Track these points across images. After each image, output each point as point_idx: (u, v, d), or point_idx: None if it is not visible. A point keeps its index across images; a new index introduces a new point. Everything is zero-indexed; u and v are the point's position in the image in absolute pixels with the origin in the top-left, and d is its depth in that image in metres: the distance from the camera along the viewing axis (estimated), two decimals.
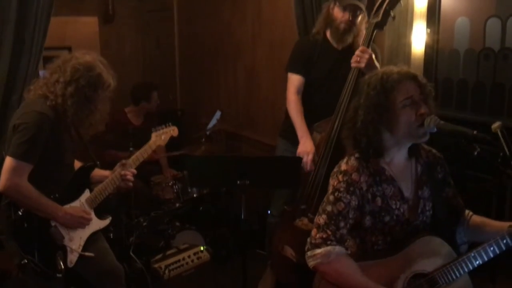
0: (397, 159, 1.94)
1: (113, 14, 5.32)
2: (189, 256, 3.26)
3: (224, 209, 4.26)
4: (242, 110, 4.78)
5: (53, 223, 2.42)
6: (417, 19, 3.14)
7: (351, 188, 1.86)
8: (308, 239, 1.89)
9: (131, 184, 2.66)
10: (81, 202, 2.55)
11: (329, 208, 1.87)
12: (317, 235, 1.86)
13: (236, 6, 4.73)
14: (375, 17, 2.67)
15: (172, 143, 3.05)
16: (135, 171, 2.69)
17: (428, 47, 3.22)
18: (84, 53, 2.48)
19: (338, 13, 2.95)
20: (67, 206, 2.47)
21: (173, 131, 2.94)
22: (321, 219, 1.88)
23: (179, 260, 3.21)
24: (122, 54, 5.48)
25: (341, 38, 2.98)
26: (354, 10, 2.90)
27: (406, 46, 3.16)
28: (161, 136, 2.88)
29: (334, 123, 2.72)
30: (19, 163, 2.29)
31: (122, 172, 2.62)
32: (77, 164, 2.66)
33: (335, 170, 1.94)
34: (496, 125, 1.91)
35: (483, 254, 1.81)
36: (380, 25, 2.66)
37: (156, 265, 3.12)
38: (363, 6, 2.93)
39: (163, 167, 4.46)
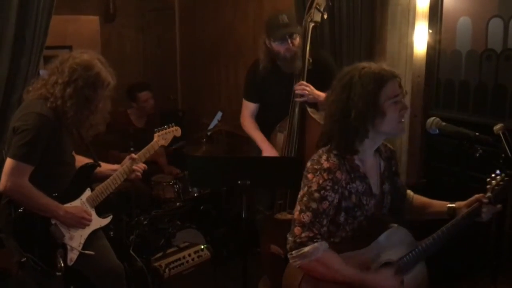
0: (367, 156, 2.00)
1: (114, 13, 5.31)
2: (189, 255, 3.27)
3: (224, 208, 4.26)
4: None
5: (53, 221, 2.42)
6: (419, 19, 3.13)
7: (336, 187, 1.88)
8: (291, 238, 1.86)
9: (139, 174, 2.70)
10: (82, 201, 2.55)
11: (313, 205, 1.85)
12: (303, 234, 1.83)
13: (237, 6, 4.72)
14: (308, 16, 2.89)
15: (172, 143, 3.04)
16: (145, 165, 2.73)
17: (430, 48, 3.21)
18: (82, 52, 2.45)
19: (278, 47, 2.99)
20: (68, 205, 2.47)
21: (176, 131, 2.93)
22: (305, 216, 1.85)
23: (179, 259, 3.21)
24: (123, 53, 5.48)
25: (292, 65, 2.99)
26: (290, 37, 2.94)
27: (408, 47, 3.15)
28: (164, 136, 2.87)
29: (291, 122, 2.95)
30: (20, 164, 2.29)
31: (134, 167, 2.66)
32: (82, 160, 2.66)
33: (315, 167, 1.90)
34: (498, 126, 1.92)
35: (437, 241, 1.97)
36: (314, 21, 2.89)
37: (156, 264, 3.13)
38: (295, 28, 2.98)
39: (163, 166, 4.46)
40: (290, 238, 1.86)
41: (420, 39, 3.16)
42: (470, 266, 2.91)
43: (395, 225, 2.00)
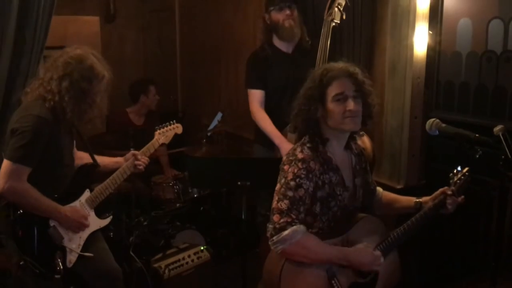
0: (338, 150, 2.11)
1: (114, 14, 5.32)
2: (189, 256, 3.26)
3: (224, 209, 4.26)
4: (243, 111, 4.77)
5: (51, 224, 2.41)
6: (419, 20, 3.13)
7: (310, 175, 1.99)
8: (271, 225, 1.96)
9: (142, 168, 2.70)
10: (81, 203, 2.54)
11: (290, 193, 1.96)
12: (281, 220, 1.93)
13: (237, 7, 4.72)
14: (329, 15, 2.94)
15: (173, 144, 3.04)
16: (147, 158, 2.72)
17: (430, 49, 3.21)
18: (75, 48, 2.46)
19: (278, 15, 3.13)
20: (67, 207, 2.46)
21: (177, 128, 2.92)
22: (283, 204, 1.96)
23: (179, 260, 3.20)
24: (123, 54, 5.48)
25: (291, 34, 3.15)
26: (289, 5, 3.11)
27: (408, 48, 3.15)
28: (165, 134, 2.86)
29: None
30: (17, 166, 2.28)
31: (136, 162, 2.66)
32: (83, 156, 2.65)
33: (290, 158, 2.03)
34: (498, 128, 1.92)
35: (408, 231, 2.10)
36: (335, 22, 2.93)
37: (156, 265, 3.12)
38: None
39: (164, 167, 4.46)
40: (269, 226, 1.96)
41: (420, 41, 3.15)
42: (470, 266, 2.91)
43: (369, 215, 2.15)
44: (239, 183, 2.44)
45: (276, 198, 2.00)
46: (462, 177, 2.18)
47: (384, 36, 3.27)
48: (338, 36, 3.32)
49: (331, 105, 2.00)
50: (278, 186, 2.02)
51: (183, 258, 3.23)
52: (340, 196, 2.08)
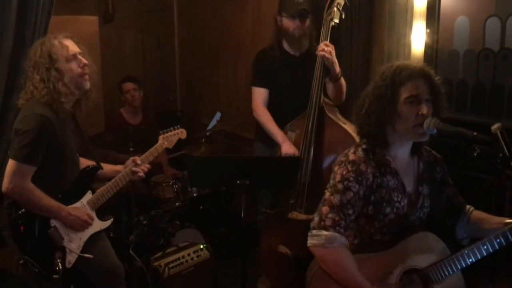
0: (400, 155, 1.99)
1: (113, 14, 5.34)
2: (188, 254, 3.27)
3: (224, 208, 4.27)
4: (242, 110, 4.78)
5: (52, 224, 2.42)
6: (417, 19, 3.14)
7: (359, 178, 1.90)
8: (317, 217, 1.90)
9: (142, 174, 2.68)
10: (83, 204, 2.55)
11: (337, 196, 1.89)
12: (329, 215, 1.87)
13: (236, 6, 4.73)
14: (328, 14, 2.91)
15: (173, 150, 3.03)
16: (149, 166, 2.72)
17: (427, 48, 3.22)
18: None
19: (289, 23, 3.10)
20: (70, 207, 2.47)
21: (181, 133, 2.90)
22: (335, 199, 1.88)
23: (179, 258, 3.22)
24: (122, 53, 5.50)
25: (299, 44, 3.14)
26: (302, 15, 3.05)
27: (405, 46, 3.16)
28: (169, 139, 2.84)
29: (309, 118, 2.88)
30: (21, 166, 2.29)
31: (134, 169, 2.64)
32: (84, 163, 2.66)
33: (342, 159, 1.96)
34: (495, 126, 1.92)
35: (476, 252, 1.82)
36: (334, 21, 2.91)
37: (156, 263, 3.13)
38: (307, 7, 3.08)
39: (164, 166, 4.47)
40: (316, 218, 1.91)
41: (418, 39, 3.16)
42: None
43: (426, 231, 1.94)
44: (238, 182, 2.44)
45: (327, 192, 1.93)
46: None
47: (382, 34, 3.28)
48: (336, 35, 3.33)
49: (402, 107, 1.86)
50: (329, 184, 1.95)
51: (183, 257, 3.24)
52: (397, 202, 1.93)
